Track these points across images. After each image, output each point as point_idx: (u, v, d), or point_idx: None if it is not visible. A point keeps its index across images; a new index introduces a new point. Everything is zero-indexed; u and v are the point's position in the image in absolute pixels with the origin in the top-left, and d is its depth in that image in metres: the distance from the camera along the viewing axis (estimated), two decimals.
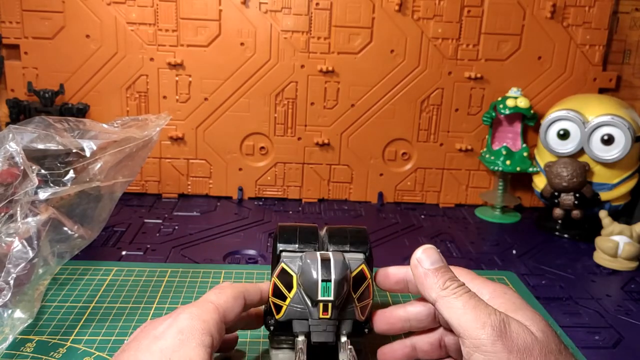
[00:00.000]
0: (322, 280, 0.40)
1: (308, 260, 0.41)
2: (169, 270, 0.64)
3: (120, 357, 0.37)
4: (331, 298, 0.40)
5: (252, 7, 0.83)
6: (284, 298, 0.42)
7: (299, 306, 0.42)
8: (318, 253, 0.42)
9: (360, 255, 0.44)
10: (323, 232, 0.47)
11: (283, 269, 0.43)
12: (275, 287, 0.43)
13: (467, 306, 0.37)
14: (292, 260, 0.43)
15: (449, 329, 0.40)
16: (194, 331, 0.37)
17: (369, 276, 0.43)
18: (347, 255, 0.43)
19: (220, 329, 0.39)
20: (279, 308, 0.43)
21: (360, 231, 0.47)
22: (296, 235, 0.45)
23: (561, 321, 0.58)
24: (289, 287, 0.42)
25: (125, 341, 0.40)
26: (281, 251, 0.44)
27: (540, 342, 0.36)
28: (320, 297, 0.40)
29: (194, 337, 0.37)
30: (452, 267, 0.43)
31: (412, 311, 0.45)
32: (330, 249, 0.44)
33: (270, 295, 0.43)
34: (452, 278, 0.40)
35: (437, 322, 0.45)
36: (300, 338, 0.42)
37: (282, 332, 0.43)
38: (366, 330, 0.44)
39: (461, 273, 0.43)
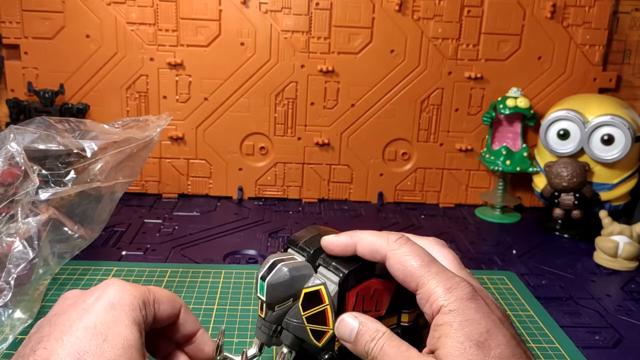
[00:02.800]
0: (261, 278, 0.39)
1: (271, 261, 0.40)
2: (169, 270, 0.64)
3: (51, 331, 0.35)
4: (263, 298, 0.39)
5: (252, 7, 0.83)
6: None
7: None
8: (280, 255, 0.40)
9: (335, 278, 0.38)
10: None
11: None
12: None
13: (398, 353, 0.36)
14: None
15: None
16: (124, 306, 0.35)
17: (326, 302, 0.38)
18: (323, 271, 0.39)
19: (150, 312, 0.37)
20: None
21: (353, 258, 0.39)
22: (302, 240, 0.42)
23: (561, 321, 0.58)
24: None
25: (49, 313, 0.38)
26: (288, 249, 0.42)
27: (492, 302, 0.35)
28: (257, 294, 0.39)
29: (126, 314, 0.35)
30: (408, 252, 0.37)
31: None
32: (319, 260, 0.40)
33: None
34: (373, 335, 0.37)
35: None
36: (285, 350, 0.40)
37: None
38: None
39: (415, 265, 0.37)
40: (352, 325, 0.37)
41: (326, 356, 0.39)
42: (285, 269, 0.38)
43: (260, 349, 0.41)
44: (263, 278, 0.38)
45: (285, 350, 0.40)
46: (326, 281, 0.38)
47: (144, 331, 0.36)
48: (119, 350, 0.33)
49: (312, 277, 0.39)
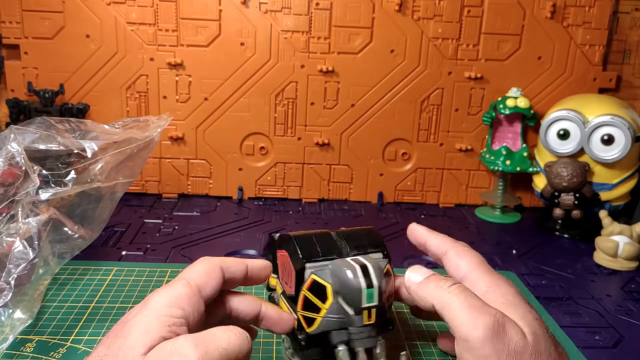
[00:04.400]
0: (367, 287, 0.39)
1: (344, 269, 0.40)
2: (169, 270, 0.64)
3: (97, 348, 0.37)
4: (376, 303, 0.39)
5: (252, 7, 0.83)
6: (317, 310, 0.41)
7: (336, 316, 0.41)
8: (350, 260, 0.41)
9: (380, 255, 0.44)
10: (334, 237, 0.45)
11: (315, 281, 0.41)
12: (307, 300, 0.42)
13: (462, 305, 0.37)
14: (319, 270, 0.42)
15: None
16: (159, 306, 0.36)
17: (392, 273, 0.44)
18: (372, 256, 0.43)
19: (194, 303, 0.38)
20: (310, 321, 0.42)
21: (372, 231, 0.47)
22: (314, 244, 0.43)
23: (561, 321, 0.58)
24: (323, 298, 0.41)
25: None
26: (305, 263, 0.42)
27: (531, 346, 0.35)
28: (365, 304, 0.39)
29: (157, 310, 0.36)
30: (459, 243, 0.45)
31: None
32: (352, 254, 0.43)
33: (299, 309, 0.42)
34: (445, 279, 0.40)
35: None
36: (342, 347, 0.41)
37: (312, 347, 0.42)
38: (390, 327, 0.44)
39: (466, 255, 0.43)
40: (425, 270, 0.43)
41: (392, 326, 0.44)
42: (378, 268, 0.40)
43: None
44: (370, 286, 0.39)
45: (342, 348, 0.41)
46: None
47: (193, 324, 0.37)
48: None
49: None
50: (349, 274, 0.40)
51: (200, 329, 0.36)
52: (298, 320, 0.43)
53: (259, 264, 0.44)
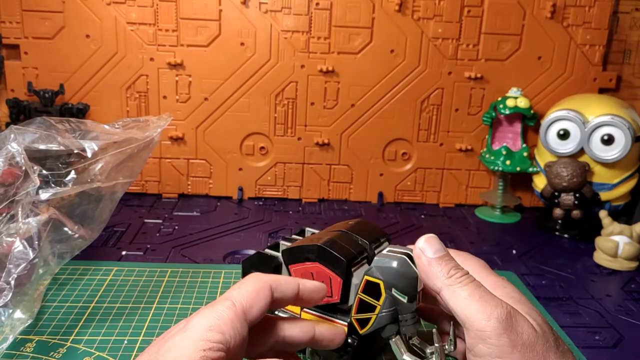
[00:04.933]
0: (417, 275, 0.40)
1: (392, 261, 0.41)
2: (169, 270, 0.64)
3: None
4: (419, 290, 0.41)
5: (252, 7, 0.83)
6: (372, 309, 0.41)
7: (389, 310, 0.41)
8: (387, 252, 0.42)
9: (387, 243, 0.46)
10: (351, 235, 0.45)
11: (368, 281, 0.41)
12: (361, 302, 0.42)
13: (473, 296, 0.37)
14: (369, 270, 0.42)
15: (452, 318, 0.40)
16: (199, 329, 0.34)
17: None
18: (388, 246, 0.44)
19: (237, 327, 0.35)
20: (365, 322, 0.42)
21: (367, 223, 0.48)
22: (344, 246, 0.43)
23: (561, 321, 0.58)
24: (377, 296, 0.41)
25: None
26: (349, 266, 0.42)
27: (541, 338, 0.36)
28: (419, 289, 0.41)
29: (196, 333, 0.34)
30: (460, 253, 0.44)
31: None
32: (374, 247, 0.45)
33: (354, 314, 0.42)
34: (455, 266, 0.40)
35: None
36: (396, 338, 0.41)
37: (362, 349, 0.43)
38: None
39: (468, 261, 0.43)
40: (440, 246, 0.41)
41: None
42: (404, 250, 0.42)
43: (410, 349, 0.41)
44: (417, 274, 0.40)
45: (396, 338, 0.41)
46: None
47: (235, 349, 0.36)
48: None
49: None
50: (399, 264, 0.40)
51: (243, 353, 0.36)
52: (349, 325, 0.42)
53: (313, 285, 0.41)
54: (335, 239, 0.43)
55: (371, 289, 0.41)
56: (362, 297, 0.42)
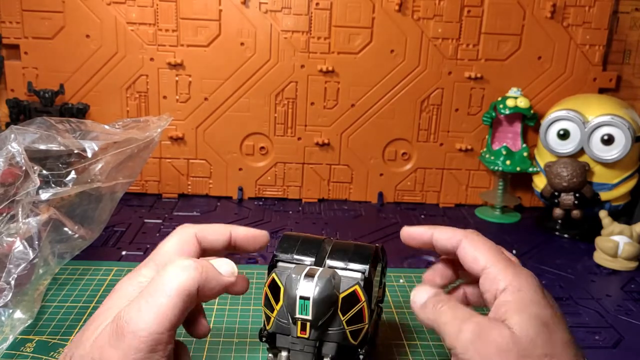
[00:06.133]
0: (301, 298, 0.37)
1: (293, 275, 0.38)
2: None
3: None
4: (309, 317, 0.37)
5: (252, 7, 0.83)
6: (272, 309, 0.40)
7: (283, 320, 0.39)
8: (307, 268, 0.39)
9: (358, 275, 0.40)
10: (329, 246, 0.43)
11: (273, 280, 0.40)
12: (266, 296, 0.41)
13: (449, 319, 0.38)
14: (284, 271, 0.40)
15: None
16: (122, 291, 0.36)
17: (363, 299, 0.39)
18: (342, 274, 0.40)
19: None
20: (268, 319, 0.41)
21: (366, 249, 0.42)
22: (296, 245, 0.43)
23: None
24: (277, 299, 0.40)
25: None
26: (277, 260, 0.42)
27: (521, 346, 0.35)
28: (298, 315, 0.37)
29: (123, 298, 0.36)
30: (470, 232, 0.43)
31: (438, 238, 0.45)
32: (328, 264, 0.41)
33: (262, 304, 0.41)
34: (441, 299, 0.40)
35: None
36: (284, 354, 0.40)
37: (273, 345, 0.41)
38: (361, 356, 0.40)
39: (483, 247, 0.42)
40: (423, 294, 0.41)
41: (362, 350, 0.40)
42: (325, 281, 0.37)
43: None
44: (306, 297, 0.37)
45: (284, 354, 0.40)
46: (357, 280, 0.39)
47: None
48: None
49: (341, 280, 0.39)
50: (294, 280, 0.38)
51: None
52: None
53: (246, 232, 0.42)
54: (300, 238, 0.43)
55: (275, 289, 0.40)
56: (267, 291, 0.40)
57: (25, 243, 0.47)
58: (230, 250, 0.42)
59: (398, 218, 0.86)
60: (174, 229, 0.76)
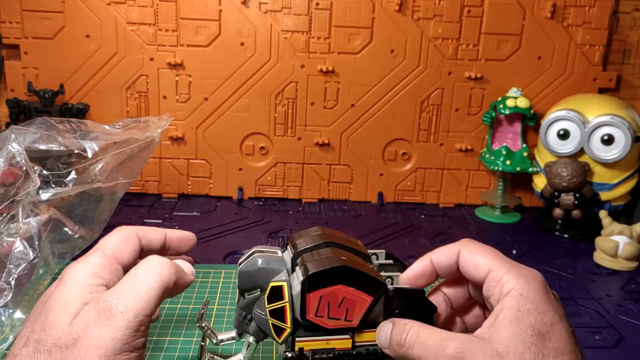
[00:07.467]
0: (237, 264, 0.41)
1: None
2: None
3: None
4: (237, 283, 0.41)
5: (252, 7, 0.83)
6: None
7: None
8: (261, 246, 0.42)
9: (301, 278, 0.38)
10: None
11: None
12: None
13: (422, 350, 0.36)
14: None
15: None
16: (77, 278, 0.37)
17: (285, 299, 0.38)
18: (296, 270, 0.40)
19: (113, 270, 0.39)
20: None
21: (333, 257, 0.39)
22: (297, 240, 0.43)
23: None
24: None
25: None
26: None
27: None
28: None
29: (75, 282, 0.37)
30: (466, 241, 0.41)
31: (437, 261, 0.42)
32: (287, 252, 0.42)
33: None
34: (403, 330, 0.38)
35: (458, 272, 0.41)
36: (250, 339, 0.42)
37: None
38: (288, 354, 0.39)
39: (483, 252, 0.40)
40: (387, 326, 0.38)
41: (288, 354, 0.39)
42: (259, 260, 0.40)
43: (239, 335, 0.43)
44: (239, 265, 0.41)
45: (251, 339, 0.41)
46: (292, 280, 0.39)
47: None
48: None
49: (282, 273, 0.40)
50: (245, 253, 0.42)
51: None
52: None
53: (179, 234, 0.46)
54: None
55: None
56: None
57: (26, 243, 0.47)
58: (163, 252, 0.45)
59: (398, 218, 0.86)
60: (174, 228, 0.76)
